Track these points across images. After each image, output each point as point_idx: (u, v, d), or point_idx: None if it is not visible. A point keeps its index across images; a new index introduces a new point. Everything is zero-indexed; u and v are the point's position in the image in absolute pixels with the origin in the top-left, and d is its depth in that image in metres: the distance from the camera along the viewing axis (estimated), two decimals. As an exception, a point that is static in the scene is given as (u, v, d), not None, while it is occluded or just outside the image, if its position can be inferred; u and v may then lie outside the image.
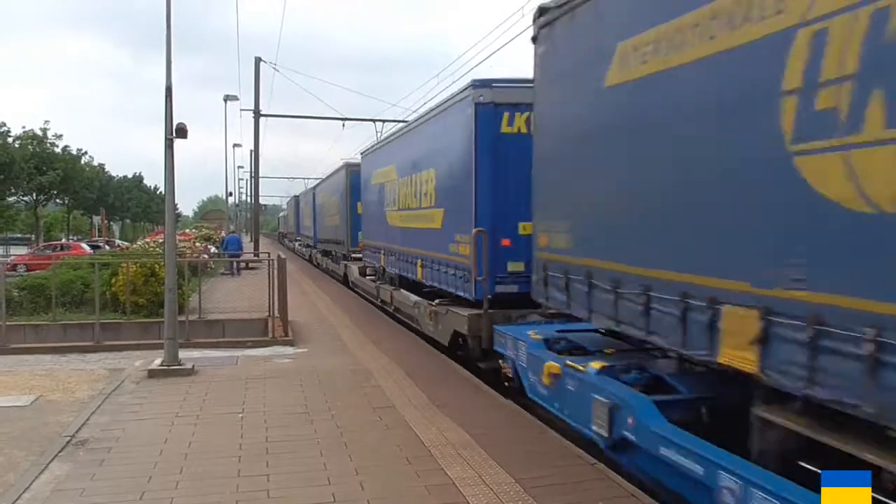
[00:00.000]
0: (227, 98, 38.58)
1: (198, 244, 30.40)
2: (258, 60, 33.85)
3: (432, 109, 13.03)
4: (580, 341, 7.52)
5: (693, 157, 5.17)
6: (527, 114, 9.58)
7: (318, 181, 38.38)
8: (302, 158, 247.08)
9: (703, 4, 4.94)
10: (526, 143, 8.69)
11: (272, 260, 14.92)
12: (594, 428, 6.25)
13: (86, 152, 59.73)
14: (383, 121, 33.14)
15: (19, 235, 60.92)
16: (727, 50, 4.70)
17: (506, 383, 9.01)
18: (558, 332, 8.03)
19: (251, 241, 37.60)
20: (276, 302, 14.27)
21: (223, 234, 40.83)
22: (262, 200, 48.18)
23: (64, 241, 51.64)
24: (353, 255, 23.14)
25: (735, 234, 4.72)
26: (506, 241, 10.02)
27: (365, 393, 9.31)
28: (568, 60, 7.29)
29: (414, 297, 13.84)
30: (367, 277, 19.84)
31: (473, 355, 10.52)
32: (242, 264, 28.50)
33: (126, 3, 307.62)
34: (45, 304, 15.27)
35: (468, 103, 10.36)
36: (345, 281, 24.85)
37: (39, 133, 49.50)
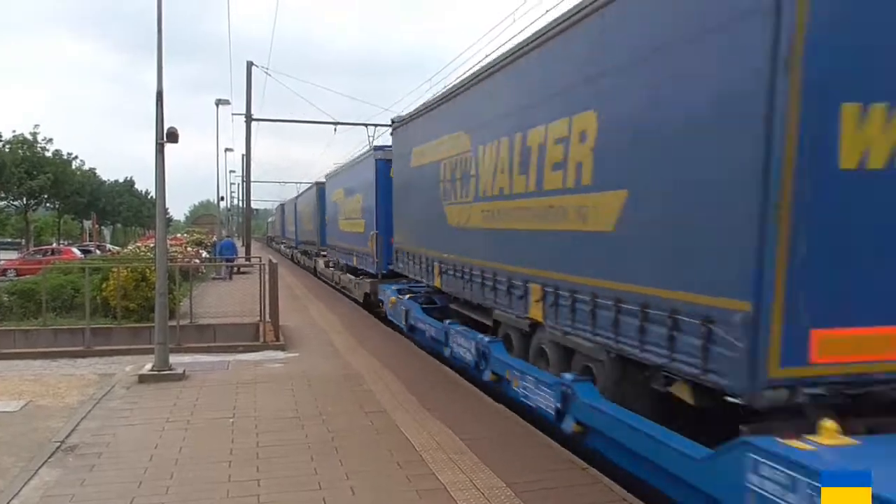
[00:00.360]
0: (218, 102, 38.45)
1: (189, 249, 30.29)
2: (250, 65, 33.79)
3: (356, 158, 21.17)
4: (412, 289, 14.15)
5: (430, 197, 11.86)
6: None
7: (299, 193, 43.89)
8: (294, 162, 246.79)
9: (433, 139, 11.84)
10: (409, 179, 14.38)
11: (263, 265, 14.90)
12: (402, 323, 13.66)
13: (76, 156, 59.67)
14: (375, 125, 33.10)
15: (9, 240, 60.72)
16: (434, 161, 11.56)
17: (383, 313, 16.00)
18: (405, 286, 14.61)
19: (243, 245, 37.50)
20: (268, 306, 14.24)
21: (214, 238, 40.72)
22: (253, 205, 48.14)
23: (54, 245, 51.35)
24: (321, 253, 29.70)
25: (428, 232, 12.34)
26: (392, 240, 15.47)
27: (356, 397, 9.31)
28: (400, 148, 14.70)
29: (349, 276, 21.49)
30: (328, 268, 27.27)
31: (373, 301, 17.72)
32: (235, 268, 28.46)
33: (120, 7, 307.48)
34: (35, 309, 15.19)
35: (372, 159, 17.57)
36: (314, 273, 32.70)
37: (30, 137, 49.34)
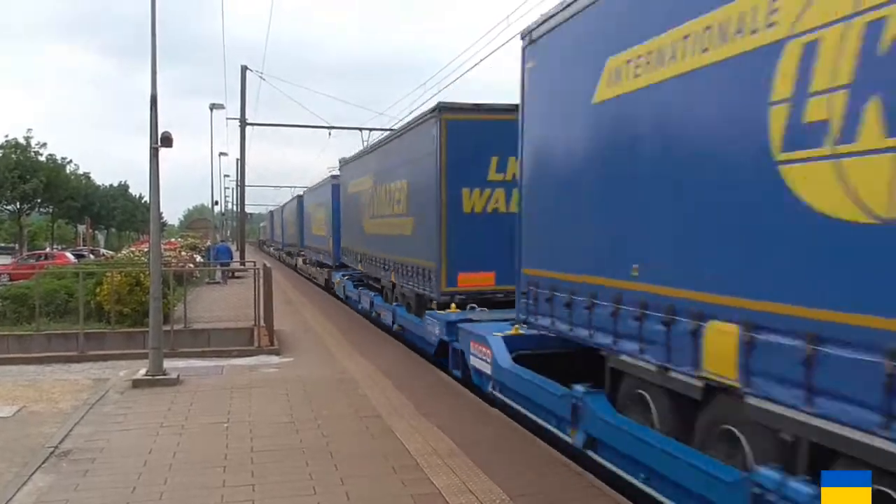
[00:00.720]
0: (213, 107, 38.42)
1: (183, 253, 30.25)
2: (244, 69, 33.77)
3: (318, 183, 30.66)
4: (350, 274, 21.36)
5: (357, 214, 19.80)
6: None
7: (285, 203, 51.74)
8: (289, 167, 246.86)
9: (358, 177, 19.51)
10: (348, 200, 21.48)
11: (258, 269, 14.88)
12: (341, 295, 22.13)
13: (70, 161, 59.52)
14: (370, 129, 33.23)
15: (2, 245, 60.47)
16: (357, 192, 19.65)
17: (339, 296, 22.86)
18: (347, 272, 21.65)
19: (237, 249, 37.46)
20: (262, 311, 14.23)
21: (208, 242, 40.66)
22: (248, 209, 48.01)
23: (48, 250, 51.22)
24: (301, 253, 37.49)
25: (358, 236, 19.75)
26: (341, 242, 22.46)
27: (351, 402, 9.30)
28: (344, 178, 22.55)
29: (316, 269, 30.41)
30: (304, 265, 35.41)
31: (331, 286, 25.12)
32: (229, 273, 28.49)
33: (112, 11, 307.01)
34: (28, 314, 15.16)
35: (330, 182, 25.26)
36: (295, 268, 40.28)
37: (23, 142, 49.24)
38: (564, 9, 7.18)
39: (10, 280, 25.78)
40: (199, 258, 31.65)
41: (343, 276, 22.03)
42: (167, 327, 12.34)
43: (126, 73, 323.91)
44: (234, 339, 14.20)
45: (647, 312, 5.69)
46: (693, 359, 5.13)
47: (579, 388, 6.64)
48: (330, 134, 34.73)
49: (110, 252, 45.04)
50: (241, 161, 35.81)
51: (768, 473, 4.32)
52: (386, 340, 14.64)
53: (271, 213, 68.01)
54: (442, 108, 11.60)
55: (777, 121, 4.34)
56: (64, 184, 55.21)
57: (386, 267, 15.56)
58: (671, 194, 5.53)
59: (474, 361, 9.40)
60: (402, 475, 6.46)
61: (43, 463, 6.80)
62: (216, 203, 54.40)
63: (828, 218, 3.97)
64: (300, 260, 36.70)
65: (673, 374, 5.53)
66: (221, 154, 67.39)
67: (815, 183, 4.08)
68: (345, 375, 11.03)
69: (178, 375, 10.61)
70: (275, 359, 12.46)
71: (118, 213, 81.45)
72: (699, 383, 5.21)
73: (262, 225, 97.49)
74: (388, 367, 11.62)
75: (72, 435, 7.75)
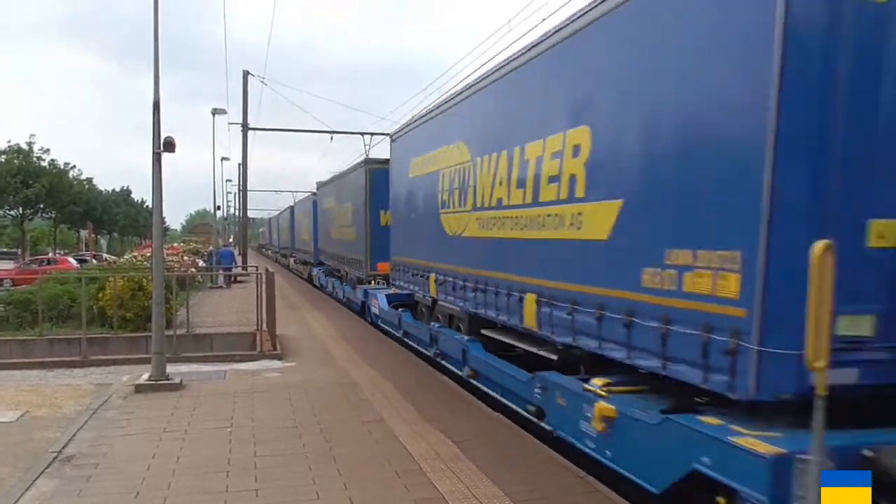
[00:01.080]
0: (215, 112, 38.49)
1: (186, 258, 30.26)
2: (246, 74, 33.87)
3: (304, 199, 37.32)
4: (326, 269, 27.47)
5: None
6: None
7: (281, 211, 57.84)
8: (291, 171, 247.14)
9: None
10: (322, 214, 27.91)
11: (260, 274, 14.89)
12: (317, 284, 29.34)
13: (74, 166, 59.56)
14: (371, 134, 33.38)
15: (5, 250, 60.36)
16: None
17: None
18: (325, 267, 27.78)
19: (240, 253, 37.50)
20: (265, 316, 14.23)
21: (210, 247, 40.69)
22: (250, 214, 48.07)
23: (51, 255, 51.24)
24: (292, 255, 42.50)
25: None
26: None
27: (353, 406, 9.30)
28: (322, 198, 28.45)
29: (303, 266, 35.90)
30: (296, 264, 40.49)
31: (311, 278, 31.73)
32: (232, 277, 28.57)
33: (113, 15, 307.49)
34: (31, 319, 15.17)
35: (311, 198, 31.56)
36: (288, 268, 45.27)
37: (25, 147, 49.31)
38: (403, 130, 14.01)
39: (13, 285, 25.84)
40: (201, 263, 31.63)
41: (319, 270, 29.35)
42: (170, 332, 12.35)
43: (126, 74, 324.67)
44: (236, 343, 14.22)
45: (458, 282, 10.34)
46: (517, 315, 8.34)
47: (464, 337, 10.51)
48: (332, 138, 34.90)
49: (113, 257, 45.01)
50: (244, 166, 35.90)
51: (545, 374, 7.43)
52: (387, 344, 14.64)
53: (269, 220, 79.03)
54: (367, 161, 19.45)
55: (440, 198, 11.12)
56: (66, 189, 55.23)
57: (342, 260, 22.79)
58: (431, 222, 11.61)
59: (373, 309, 16.72)
60: (406, 479, 6.46)
61: (46, 468, 6.80)
62: (218, 208, 54.51)
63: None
64: (292, 260, 44.02)
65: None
66: (223, 159, 67.26)
67: (448, 222, 10.89)
68: (347, 380, 11.02)
69: (181, 380, 10.61)
70: (277, 363, 12.46)
71: (120, 217, 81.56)
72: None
73: (261, 230, 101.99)
74: (389, 370, 11.61)
75: (75, 440, 7.75)
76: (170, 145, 10.59)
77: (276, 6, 53.22)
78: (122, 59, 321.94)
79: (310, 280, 32.23)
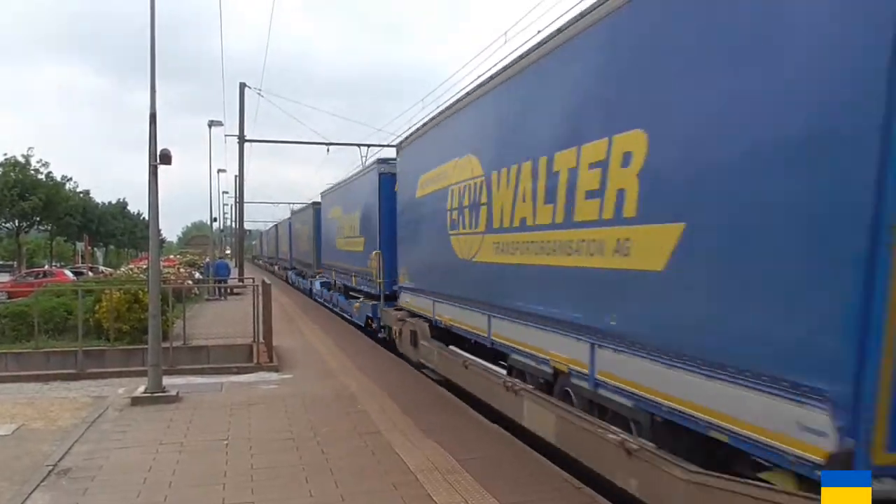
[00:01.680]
0: (211, 123, 38.60)
1: (182, 270, 30.22)
2: (243, 86, 33.95)
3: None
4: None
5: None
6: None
7: (275, 224, 59.90)
8: (287, 182, 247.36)
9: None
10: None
11: (256, 286, 14.87)
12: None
13: (70, 178, 59.51)
14: (368, 145, 33.44)
15: (1, 262, 60.36)
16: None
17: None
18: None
19: (236, 265, 37.50)
20: (261, 328, 14.20)
21: (207, 259, 40.66)
22: (246, 225, 48.09)
23: (47, 267, 51.13)
24: (293, 269, 41.86)
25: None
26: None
27: (350, 418, 9.29)
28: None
29: (292, 274, 39.57)
30: (281, 270, 46.72)
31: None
32: (229, 289, 28.54)
33: (110, 28, 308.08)
34: (27, 332, 15.12)
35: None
36: (273, 273, 50.56)
37: (22, 160, 49.30)
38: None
39: (9, 298, 25.71)
40: (197, 275, 31.59)
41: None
42: (166, 344, 12.34)
43: (123, 88, 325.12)
44: (233, 355, 14.17)
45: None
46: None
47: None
48: (328, 150, 34.99)
49: (109, 269, 44.94)
50: (240, 178, 35.98)
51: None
52: (384, 356, 14.61)
53: (260, 233, 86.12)
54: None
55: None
56: (63, 201, 55.20)
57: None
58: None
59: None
60: (402, 491, 6.45)
61: (42, 481, 6.77)
62: (215, 220, 54.56)
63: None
64: (276, 267, 52.85)
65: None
66: (220, 171, 67.41)
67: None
68: (344, 392, 11.01)
69: (178, 392, 10.59)
70: (274, 375, 12.44)
71: (117, 230, 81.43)
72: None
73: (253, 243, 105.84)
74: (385, 382, 11.60)
75: (71, 453, 7.73)
76: (166, 157, 10.61)
77: (272, 17, 53.53)
78: (120, 73, 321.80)
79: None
